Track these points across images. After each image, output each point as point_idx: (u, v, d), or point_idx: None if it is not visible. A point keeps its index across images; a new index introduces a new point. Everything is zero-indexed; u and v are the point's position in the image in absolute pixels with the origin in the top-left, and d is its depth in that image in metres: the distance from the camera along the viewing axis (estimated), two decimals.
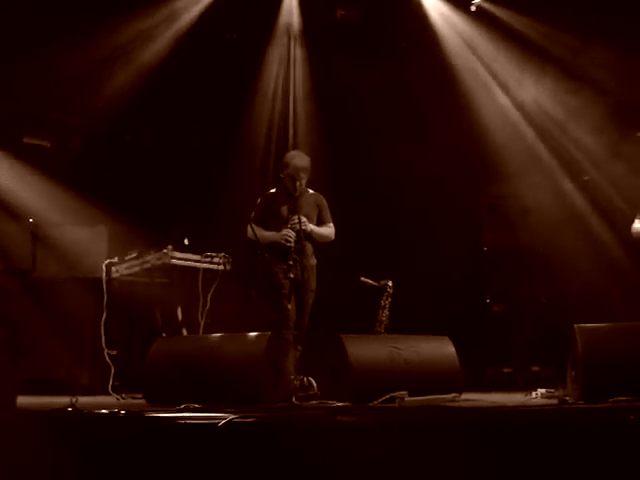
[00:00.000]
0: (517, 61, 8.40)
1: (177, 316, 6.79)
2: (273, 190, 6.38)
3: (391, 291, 6.76)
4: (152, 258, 6.72)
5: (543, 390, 5.68)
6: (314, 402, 5.27)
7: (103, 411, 4.38)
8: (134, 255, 6.83)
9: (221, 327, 6.33)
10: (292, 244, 6.02)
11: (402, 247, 8.14)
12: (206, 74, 8.23)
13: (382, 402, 4.96)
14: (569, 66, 8.15)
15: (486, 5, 8.46)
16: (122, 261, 6.85)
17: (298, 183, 6.10)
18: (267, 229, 6.19)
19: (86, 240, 7.39)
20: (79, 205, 7.60)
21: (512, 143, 8.49)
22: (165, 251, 6.66)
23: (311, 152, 6.64)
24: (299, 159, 6.24)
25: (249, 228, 6.07)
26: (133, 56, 7.97)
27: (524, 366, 8.18)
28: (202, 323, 6.60)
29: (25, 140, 8.15)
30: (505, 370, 8.27)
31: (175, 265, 6.71)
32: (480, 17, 8.48)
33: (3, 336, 4.79)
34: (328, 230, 6.34)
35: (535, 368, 8.14)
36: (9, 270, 7.39)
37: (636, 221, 6.40)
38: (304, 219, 6.09)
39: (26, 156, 7.83)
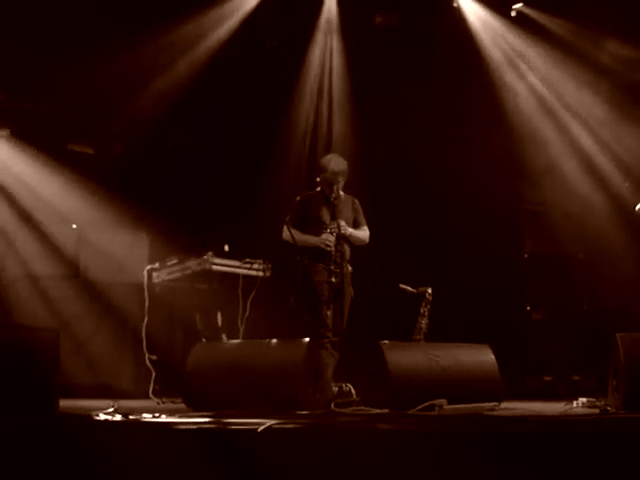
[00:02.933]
0: (561, 67, 8.33)
1: (217, 321, 6.85)
2: (309, 192, 6.39)
3: (430, 298, 6.73)
4: (193, 264, 6.78)
5: (584, 399, 5.61)
6: (353, 409, 5.27)
7: (145, 416, 4.43)
8: (175, 261, 6.89)
9: (260, 333, 6.38)
10: (332, 248, 6.03)
11: (442, 254, 8.10)
12: (245, 81, 8.29)
13: (421, 410, 4.94)
14: (619, 75, 8.06)
15: (527, 10, 8.41)
16: (163, 267, 6.92)
17: (335, 187, 6.11)
18: (305, 232, 6.20)
19: (128, 246, 7.49)
20: (121, 211, 7.71)
21: (555, 148, 8.43)
22: (205, 257, 6.72)
23: (348, 155, 6.65)
24: (336, 163, 6.25)
25: (285, 229, 6.09)
26: (175, 62, 8.06)
27: (565, 375, 8.09)
28: (242, 329, 6.64)
29: (69, 147, 8.28)
30: (545, 379, 8.18)
31: (215, 271, 6.76)
32: (521, 22, 8.44)
33: (48, 339, 4.87)
34: (364, 233, 6.37)
35: (576, 377, 8.05)
36: (56, 275, 7.54)
37: None
38: (343, 223, 6.10)
39: (70, 163, 7.95)
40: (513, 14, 8.47)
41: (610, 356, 5.13)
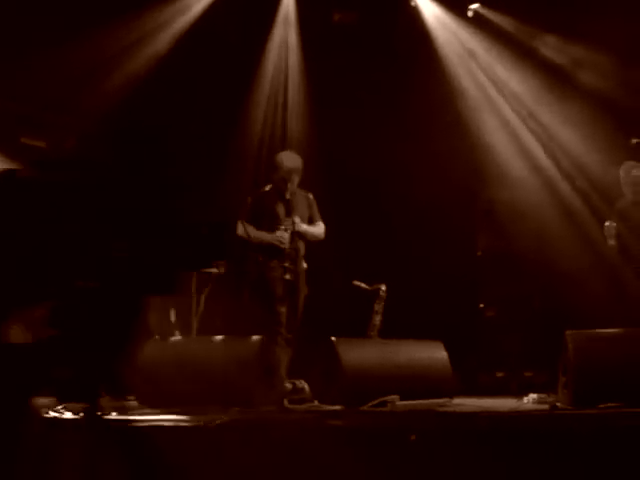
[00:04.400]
0: (515, 66, 8.44)
1: (170, 318, 6.80)
2: (264, 189, 6.38)
3: (384, 295, 6.76)
4: None
5: (535, 395, 5.68)
6: (306, 405, 5.28)
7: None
8: None
9: (214, 330, 6.35)
10: (286, 246, 6.02)
11: (396, 251, 8.14)
12: (201, 77, 8.23)
13: (373, 406, 4.97)
14: (568, 74, 8.19)
15: (483, 11, 8.49)
16: None
17: (290, 184, 6.10)
18: (260, 228, 6.19)
19: None
20: None
21: (509, 147, 8.53)
22: None
23: (304, 152, 6.64)
24: (291, 160, 6.25)
25: (239, 225, 6.06)
26: (131, 56, 7.98)
27: (517, 371, 8.18)
28: (195, 325, 6.60)
29: (22, 140, 8.14)
30: (498, 375, 8.26)
31: None
32: (477, 22, 8.52)
33: None
34: (319, 229, 6.38)
35: (528, 373, 8.14)
36: None
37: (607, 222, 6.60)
38: (297, 220, 6.10)
39: (23, 156, 7.81)
40: (470, 14, 8.55)
41: (560, 353, 5.20)
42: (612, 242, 6.49)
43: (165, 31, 8.13)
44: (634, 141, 6.06)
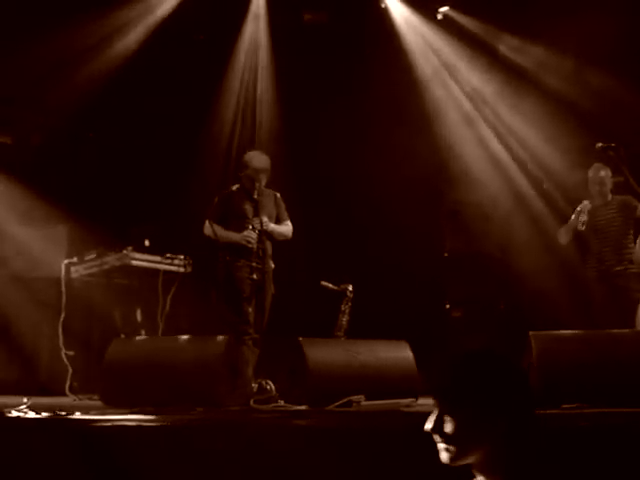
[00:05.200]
0: (482, 70, 8.51)
1: (136, 317, 6.76)
2: (232, 188, 6.37)
3: (351, 295, 6.78)
4: (112, 259, 6.68)
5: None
6: (271, 405, 5.28)
7: (59, 413, 4.34)
8: (94, 255, 6.78)
9: (180, 329, 6.33)
10: (254, 245, 6.02)
11: (363, 251, 8.17)
12: (172, 74, 8.20)
13: (339, 406, 4.98)
14: (531, 77, 8.28)
15: (452, 13, 8.56)
16: (81, 261, 6.80)
17: (257, 184, 6.10)
18: (228, 228, 6.18)
19: (46, 239, 7.33)
20: (39, 203, 7.53)
21: (475, 149, 8.60)
22: (125, 252, 6.63)
23: (272, 152, 6.65)
24: (258, 160, 6.24)
25: (207, 225, 6.05)
26: (99, 53, 7.92)
27: None
28: (161, 325, 6.58)
29: None
30: None
31: (135, 266, 6.68)
32: (446, 25, 8.59)
33: None
34: (287, 228, 6.38)
35: None
36: None
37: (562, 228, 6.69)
38: (265, 219, 6.10)
39: None
40: (439, 17, 8.61)
41: (524, 353, 5.25)
42: (584, 218, 6.53)
43: (134, 28, 8.11)
44: (599, 145, 6.13)
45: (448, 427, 2.18)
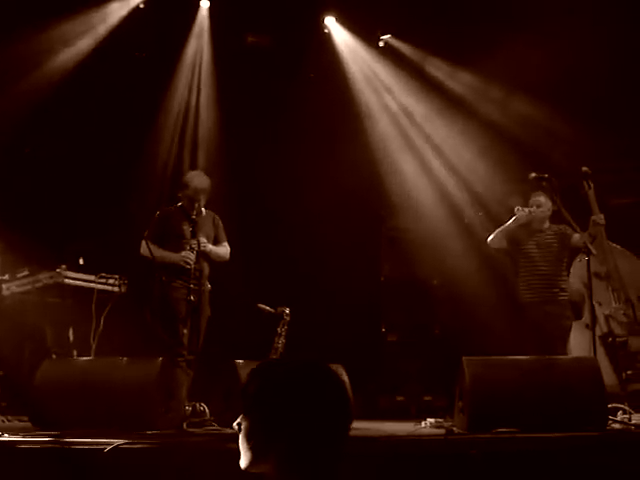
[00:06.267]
0: (422, 97, 8.66)
1: (68, 337, 6.63)
2: (170, 207, 6.33)
3: (288, 318, 6.77)
4: (44, 277, 6.56)
5: (432, 420, 5.77)
6: (205, 428, 5.23)
7: None
8: (26, 273, 6.65)
9: (114, 350, 6.23)
10: (192, 266, 5.97)
11: (300, 275, 8.19)
12: (112, 90, 8.13)
13: None
14: (470, 106, 8.46)
15: (394, 41, 8.70)
16: (13, 279, 6.66)
17: (197, 204, 6.07)
18: (164, 247, 6.12)
19: None
20: None
21: (414, 177, 8.73)
22: (58, 270, 6.52)
23: (212, 173, 6.63)
24: (199, 180, 6.22)
25: (143, 244, 5.99)
26: (38, 67, 7.81)
27: (416, 395, 8.32)
28: (94, 345, 6.46)
29: None
30: (398, 399, 8.38)
31: (68, 285, 6.56)
32: (387, 53, 8.72)
33: None
34: (224, 250, 6.36)
35: (427, 397, 8.29)
36: None
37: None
38: (204, 240, 6.07)
39: None
40: (381, 44, 8.74)
41: (457, 378, 5.31)
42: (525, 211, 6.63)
43: (75, 43, 8.03)
44: (532, 175, 6.27)
45: (242, 428, 2.15)
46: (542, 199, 6.64)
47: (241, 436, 2.15)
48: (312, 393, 2.10)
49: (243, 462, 2.15)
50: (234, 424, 2.17)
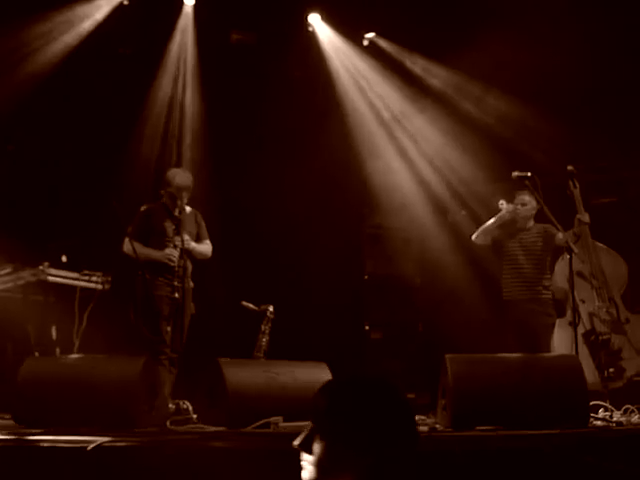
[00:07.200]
0: (406, 96, 8.68)
1: (51, 335, 6.60)
2: (153, 205, 6.32)
3: (272, 316, 6.78)
4: (27, 274, 6.53)
5: (415, 417, 5.78)
6: (188, 426, 5.22)
7: None
8: (8, 270, 6.61)
9: (97, 348, 6.20)
10: (175, 264, 5.97)
11: (284, 272, 8.19)
12: (96, 87, 8.09)
13: (257, 427, 4.96)
14: (453, 104, 8.49)
15: (378, 40, 8.72)
16: None
17: (179, 202, 6.06)
18: (147, 245, 6.11)
19: None
20: None
21: (398, 176, 8.75)
22: (41, 268, 6.49)
23: (195, 170, 6.63)
24: (182, 178, 6.22)
25: (126, 242, 5.98)
26: (20, 63, 7.77)
27: None
28: (77, 343, 6.44)
29: None
30: None
31: (51, 282, 6.54)
32: (372, 51, 8.74)
33: None
34: (207, 247, 6.37)
35: (411, 395, 8.30)
36: None
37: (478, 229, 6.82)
38: (187, 237, 6.07)
39: None
40: (365, 43, 8.75)
41: (440, 376, 5.34)
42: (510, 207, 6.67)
43: (58, 39, 7.98)
44: (515, 174, 6.30)
45: (316, 448, 2.16)
46: (527, 198, 6.68)
47: (316, 454, 2.17)
48: (385, 410, 2.19)
49: (310, 476, 2.18)
50: (294, 443, 2.20)
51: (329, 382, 2.26)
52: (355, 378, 2.25)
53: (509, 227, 6.77)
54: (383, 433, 2.14)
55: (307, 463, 2.17)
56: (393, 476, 2.14)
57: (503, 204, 6.68)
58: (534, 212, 6.72)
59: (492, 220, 6.75)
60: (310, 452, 2.16)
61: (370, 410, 2.16)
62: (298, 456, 2.09)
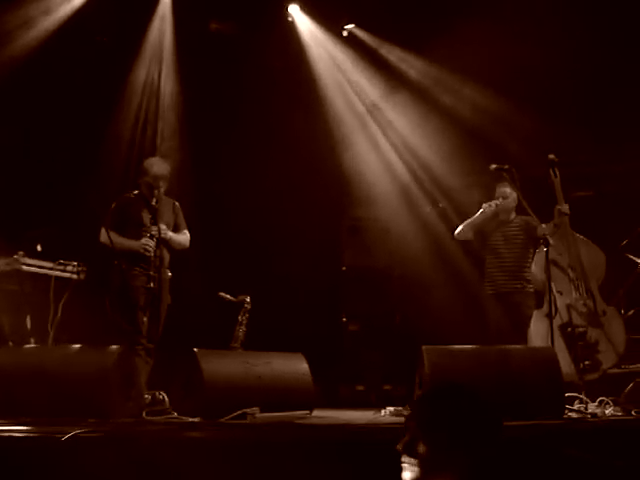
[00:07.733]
0: (384, 87, 8.69)
1: (26, 325, 6.54)
2: (129, 194, 6.27)
3: (249, 307, 6.77)
4: (1, 263, 6.45)
5: (391, 408, 5.81)
6: (164, 417, 5.19)
7: None
8: None
9: (72, 338, 6.14)
10: (152, 254, 5.93)
11: (261, 263, 8.18)
12: (72, 76, 8.01)
13: (233, 418, 4.95)
14: (432, 96, 8.50)
15: (357, 31, 8.71)
16: None
17: (156, 191, 6.02)
18: (124, 235, 6.07)
19: None
20: None
21: (376, 168, 8.75)
22: (15, 257, 6.42)
23: (173, 159, 6.59)
24: (159, 167, 6.18)
25: (103, 232, 5.93)
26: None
27: (376, 384, 8.36)
28: (52, 333, 6.38)
29: None
30: (358, 388, 8.42)
31: (26, 272, 6.47)
32: (351, 42, 8.73)
33: None
34: (184, 237, 6.33)
35: (387, 386, 8.34)
36: None
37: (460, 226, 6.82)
38: (164, 227, 6.03)
39: None
40: (345, 34, 8.74)
41: (417, 367, 5.34)
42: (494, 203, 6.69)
43: (34, 27, 7.89)
44: (492, 166, 6.31)
45: (420, 451, 2.41)
46: (508, 190, 6.68)
47: (420, 456, 2.43)
48: (478, 415, 2.47)
49: (415, 477, 2.43)
50: (397, 447, 2.48)
51: (428, 392, 2.64)
52: (450, 387, 2.55)
53: (491, 221, 6.78)
54: (478, 435, 2.42)
55: (409, 465, 2.42)
56: (488, 473, 2.40)
57: (485, 205, 6.69)
58: (515, 204, 6.74)
59: (475, 217, 6.75)
60: (413, 455, 2.42)
61: (466, 416, 2.45)
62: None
